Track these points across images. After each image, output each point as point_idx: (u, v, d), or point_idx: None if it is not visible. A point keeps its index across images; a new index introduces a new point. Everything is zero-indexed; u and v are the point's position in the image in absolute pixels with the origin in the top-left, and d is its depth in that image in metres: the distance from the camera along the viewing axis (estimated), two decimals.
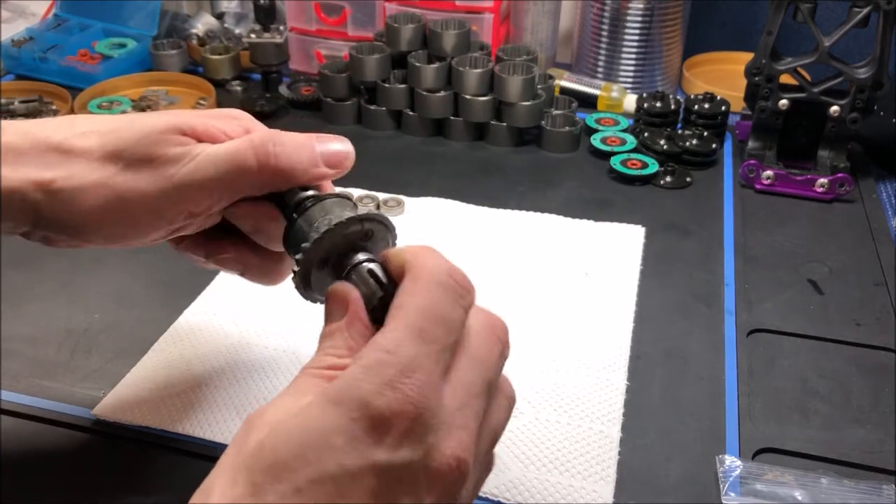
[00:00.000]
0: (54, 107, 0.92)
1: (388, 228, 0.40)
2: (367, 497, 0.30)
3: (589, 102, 0.94)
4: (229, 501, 0.30)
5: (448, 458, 0.32)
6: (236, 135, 0.43)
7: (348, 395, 0.31)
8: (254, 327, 0.60)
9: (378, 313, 0.36)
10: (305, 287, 0.39)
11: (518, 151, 0.87)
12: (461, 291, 0.35)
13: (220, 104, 0.94)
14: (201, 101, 0.94)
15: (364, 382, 0.31)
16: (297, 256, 0.38)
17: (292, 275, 0.39)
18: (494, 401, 0.36)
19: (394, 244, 0.40)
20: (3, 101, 0.90)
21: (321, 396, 0.31)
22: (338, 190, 0.43)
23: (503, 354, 0.36)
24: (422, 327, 0.33)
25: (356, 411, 0.30)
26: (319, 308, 0.39)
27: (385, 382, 0.31)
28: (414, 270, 0.35)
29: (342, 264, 0.38)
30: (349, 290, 0.36)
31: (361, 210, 0.40)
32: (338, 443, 0.30)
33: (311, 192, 0.42)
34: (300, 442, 0.30)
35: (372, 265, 0.38)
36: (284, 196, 0.42)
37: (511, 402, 0.37)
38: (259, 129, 0.44)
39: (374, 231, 0.39)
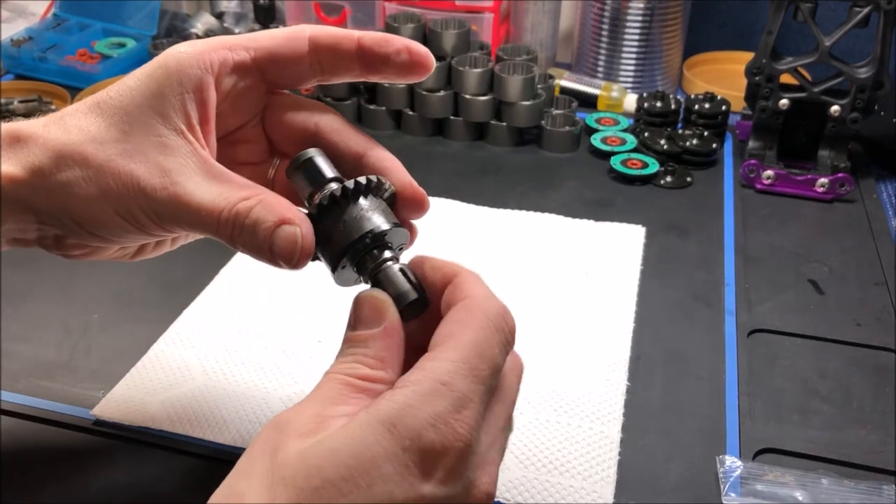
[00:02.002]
0: (53, 106, 0.92)
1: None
2: None
3: (589, 102, 0.94)
4: None
5: (482, 493, 0.33)
6: None
7: (402, 423, 0.30)
8: (254, 328, 0.60)
9: (405, 316, 0.36)
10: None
11: (518, 151, 0.87)
12: (510, 338, 0.35)
13: None
14: None
15: (419, 412, 0.31)
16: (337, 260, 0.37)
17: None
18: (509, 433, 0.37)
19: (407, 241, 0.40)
20: (3, 100, 0.90)
21: (371, 416, 0.31)
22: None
23: (518, 392, 0.37)
24: (474, 365, 0.33)
25: (409, 440, 0.30)
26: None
27: (438, 415, 0.31)
28: (468, 301, 0.35)
29: (365, 259, 0.37)
30: (387, 303, 0.36)
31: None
32: (388, 471, 0.30)
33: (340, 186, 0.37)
34: (349, 464, 0.30)
35: (401, 265, 0.37)
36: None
37: (511, 429, 0.38)
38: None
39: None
